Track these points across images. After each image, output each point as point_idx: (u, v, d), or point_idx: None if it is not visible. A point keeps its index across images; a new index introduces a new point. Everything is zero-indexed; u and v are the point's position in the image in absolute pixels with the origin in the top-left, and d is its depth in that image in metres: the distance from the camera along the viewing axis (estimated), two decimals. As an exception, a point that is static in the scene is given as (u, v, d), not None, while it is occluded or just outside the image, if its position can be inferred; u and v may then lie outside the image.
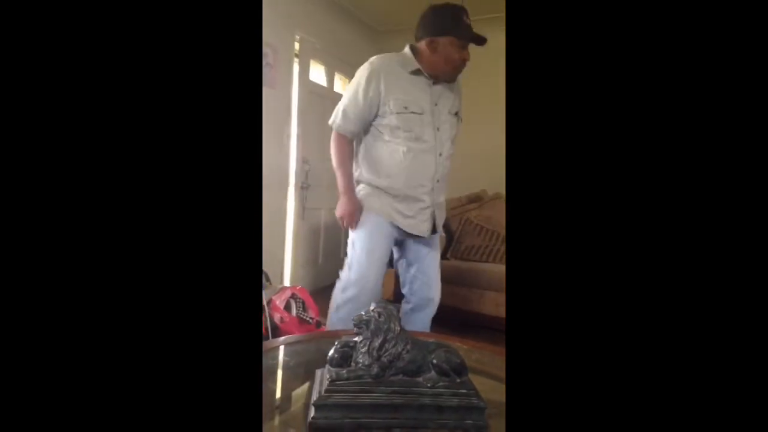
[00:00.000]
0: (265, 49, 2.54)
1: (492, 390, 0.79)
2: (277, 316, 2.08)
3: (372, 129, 1.41)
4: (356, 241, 1.44)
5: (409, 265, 1.52)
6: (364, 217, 1.43)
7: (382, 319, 0.68)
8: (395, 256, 1.56)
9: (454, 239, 2.79)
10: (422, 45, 1.38)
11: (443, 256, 2.75)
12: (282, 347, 1.02)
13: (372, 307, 0.70)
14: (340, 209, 1.43)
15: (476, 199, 2.97)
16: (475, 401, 0.67)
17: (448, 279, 2.65)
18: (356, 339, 0.71)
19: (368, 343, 0.68)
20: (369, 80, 1.35)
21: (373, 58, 1.40)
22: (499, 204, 2.90)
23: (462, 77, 1.49)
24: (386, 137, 1.38)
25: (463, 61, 1.39)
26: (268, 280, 2.33)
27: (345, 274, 1.44)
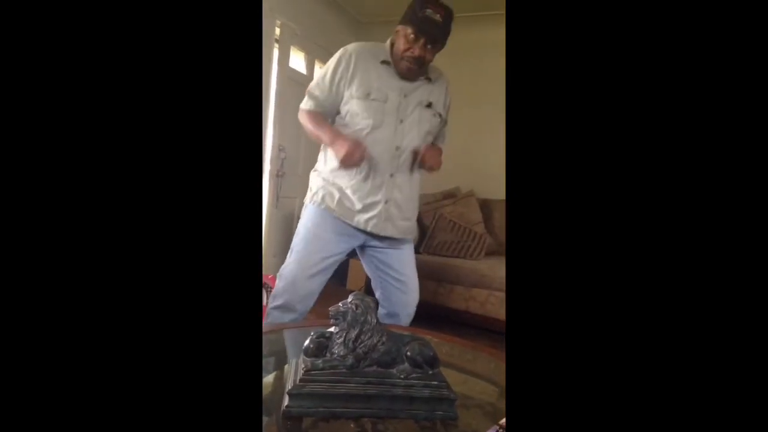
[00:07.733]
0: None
1: (462, 383, 0.82)
2: (247, 305, 2.05)
3: (337, 118, 1.36)
4: (298, 232, 1.38)
5: (377, 267, 1.44)
6: (313, 209, 1.37)
7: (359, 311, 0.70)
8: (362, 259, 1.49)
9: (427, 234, 2.82)
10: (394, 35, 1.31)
11: (416, 251, 2.78)
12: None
13: (349, 299, 0.71)
14: (339, 152, 1.23)
15: (450, 196, 3.01)
16: (446, 393, 0.69)
17: (419, 273, 2.69)
18: (332, 330, 0.72)
19: (344, 334, 0.69)
20: (339, 62, 1.31)
21: (349, 45, 1.35)
22: (472, 201, 2.95)
23: (445, 75, 1.42)
24: (347, 125, 1.32)
25: (413, 57, 1.25)
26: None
27: (279, 277, 1.35)
